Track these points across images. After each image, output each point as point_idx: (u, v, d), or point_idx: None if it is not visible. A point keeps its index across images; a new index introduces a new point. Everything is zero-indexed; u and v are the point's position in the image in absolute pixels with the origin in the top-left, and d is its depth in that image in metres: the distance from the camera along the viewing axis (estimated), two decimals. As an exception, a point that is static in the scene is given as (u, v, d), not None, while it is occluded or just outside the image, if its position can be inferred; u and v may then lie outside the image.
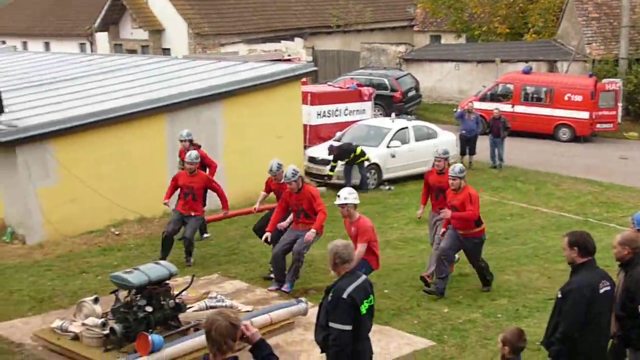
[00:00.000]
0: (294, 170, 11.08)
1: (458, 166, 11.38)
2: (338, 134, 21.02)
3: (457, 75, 33.74)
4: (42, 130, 14.39)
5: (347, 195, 9.88)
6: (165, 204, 13.01)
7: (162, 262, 9.56)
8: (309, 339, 9.44)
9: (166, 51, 36.32)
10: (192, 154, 12.76)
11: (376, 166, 19.53)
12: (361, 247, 9.68)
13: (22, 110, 15.48)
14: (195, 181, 12.69)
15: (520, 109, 27.29)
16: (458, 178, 11.08)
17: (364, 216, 10.21)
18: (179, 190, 12.95)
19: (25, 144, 14.20)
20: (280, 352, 9.12)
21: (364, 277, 6.76)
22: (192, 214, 12.74)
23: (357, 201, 9.98)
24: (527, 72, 28.72)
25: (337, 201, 9.94)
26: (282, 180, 11.49)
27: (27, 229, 14.40)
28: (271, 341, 9.50)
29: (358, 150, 18.72)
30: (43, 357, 9.18)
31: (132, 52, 36.64)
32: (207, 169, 14.13)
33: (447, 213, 11.01)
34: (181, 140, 14.45)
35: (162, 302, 9.03)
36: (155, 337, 8.19)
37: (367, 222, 10.00)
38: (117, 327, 8.70)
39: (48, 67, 22.63)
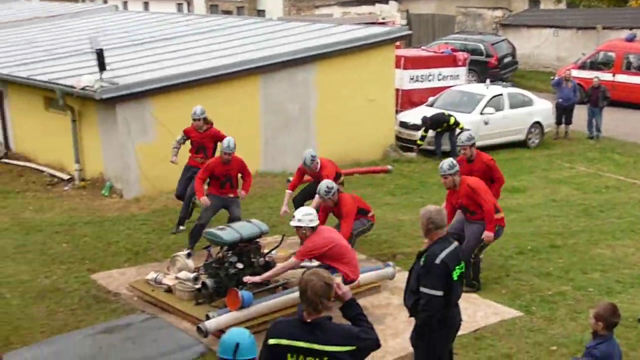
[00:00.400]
0: (327, 187, 9.95)
1: (446, 163, 9.83)
2: (431, 99, 20.79)
3: (555, 41, 32.71)
4: (141, 88, 14.74)
5: (302, 217, 8.58)
6: (203, 200, 11.25)
7: (253, 220, 9.68)
8: (395, 302, 9.49)
9: (261, 13, 36.55)
10: (231, 142, 11.39)
11: (468, 133, 19.22)
12: (290, 260, 8.99)
13: (123, 69, 15.90)
14: (232, 168, 11.51)
15: (621, 78, 26.27)
16: (449, 175, 9.71)
17: (321, 229, 8.85)
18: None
19: (125, 101, 14.56)
20: (366, 314, 9.15)
21: (455, 243, 6.70)
22: (231, 195, 11.57)
23: (313, 224, 8.57)
24: (630, 39, 27.54)
25: (292, 222, 8.72)
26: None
27: (124, 183, 14.83)
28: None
29: (451, 120, 18.44)
30: (137, 307, 9.50)
31: (228, 13, 36.98)
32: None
33: (489, 236, 9.78)
34: (195, 119, 12.61)
35: (253, 260, 9.21)
36: (245, 294, 8.36)
37: (314, 238, 8.61)
38: (209, 282, 8.92)
39: (147, 26, 23.13)
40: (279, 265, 9.07)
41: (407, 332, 8.34)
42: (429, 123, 18.51)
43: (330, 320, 5.04)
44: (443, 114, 18.65)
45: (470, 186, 9.76)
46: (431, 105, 20.19)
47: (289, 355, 4.96)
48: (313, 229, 8.59)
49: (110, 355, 8.28)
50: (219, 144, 12.22)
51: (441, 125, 18.46)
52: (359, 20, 27.85)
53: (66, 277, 10.56)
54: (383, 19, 31.20)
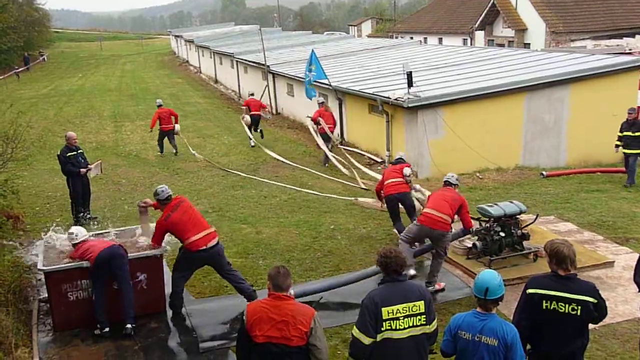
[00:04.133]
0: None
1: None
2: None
3: None
4: (436, 100, 14.74)
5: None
6: None
7: (515, 201, 9.29)
8: (626, 276, 8.58)
9: (527, 45, 34.61)
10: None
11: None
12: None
13: (423, 86, 15.94)
14: None
15: None
16: None
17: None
18: None
19: (424, 109, 14.67)
20: (600, 282, 8.44)
21: None
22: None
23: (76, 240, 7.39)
24: None
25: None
26: None
27: (420, 167, 14.98)
28: (593, 274, 8.83)
29: None
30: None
31: (501, 45, 35.55)
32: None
33: None
34: (158, 106, 17.99)
35: (512, 231, 8.84)
36: None
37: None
38: (478, 243, 8.78)
39: (441, 55, 23.03)
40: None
41: (636, 301, 7.56)
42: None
43: (577, 276, 4.77)
44: None
45: None
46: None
47: (543, 301, 4.76)
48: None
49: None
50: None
51: None
52: (608, 50, 25.19)
53: (377, 229, 10.87)
54: (630, 49, 27.86)
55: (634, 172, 13.92)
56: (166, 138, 17.83)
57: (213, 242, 7.42)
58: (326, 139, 16.44)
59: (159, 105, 18.15)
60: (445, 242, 8.14)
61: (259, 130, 19.43)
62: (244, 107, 19.75)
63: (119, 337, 7.20)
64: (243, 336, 4.56)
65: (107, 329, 7.21)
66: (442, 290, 8.30)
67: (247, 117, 19.25)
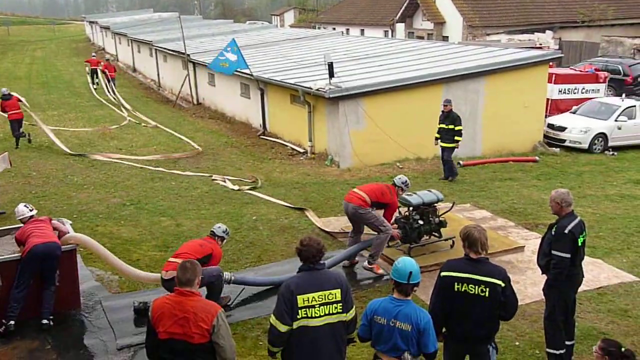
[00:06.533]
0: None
1: None
2: (574, 107, 19.41)
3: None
4: (357, 91, 14.93)
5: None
6: None
7: (432, 190, 9.58)
8: (535, 260, 8.99)
9: (445, 38, 35.62)
10: None
11: (603, 135, 17.76)
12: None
13: (345, 76, 16.12)
14: None
15: None
16: None
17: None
18: None
19: (345, 99, 14.84)
20: (511, 266, 8.86)
21: (579, 217, 6.24)
22: None
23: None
24: None
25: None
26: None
27: (341, 157, 15.17)
28: (505, 258, 9.27)
29: None
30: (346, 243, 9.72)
31: (421, 38, 36.41)
32: None
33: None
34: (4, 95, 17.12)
35: (430, 219, 9.08)
36: None
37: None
38: (397, 231, 8.96)
39: (362, 47, 23.32)
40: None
41: (543, 283, 7.98)
42: None
43: (488, 260, 4.98)
44: None
45: None
46: (574, 113, 18.87)
47: (455, 283, 4.94)
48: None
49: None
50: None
51: None
52: (520, 45, 26.41)
53: (299, 219, 10.90)
54: (540, 44, 29.32)
55: (451, 166, 13.63)
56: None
57: None
58: (111, 81, 26.97)
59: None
60: (370, 219, 8.39)
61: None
62: (86, 63, 31.18)
63: (31, 336, 6.89)
64: (149, 332, 4.50)
65: (12, 322, 6.91)
66: (383, 276, 8.44)
67: (87, 69, 30.36)
